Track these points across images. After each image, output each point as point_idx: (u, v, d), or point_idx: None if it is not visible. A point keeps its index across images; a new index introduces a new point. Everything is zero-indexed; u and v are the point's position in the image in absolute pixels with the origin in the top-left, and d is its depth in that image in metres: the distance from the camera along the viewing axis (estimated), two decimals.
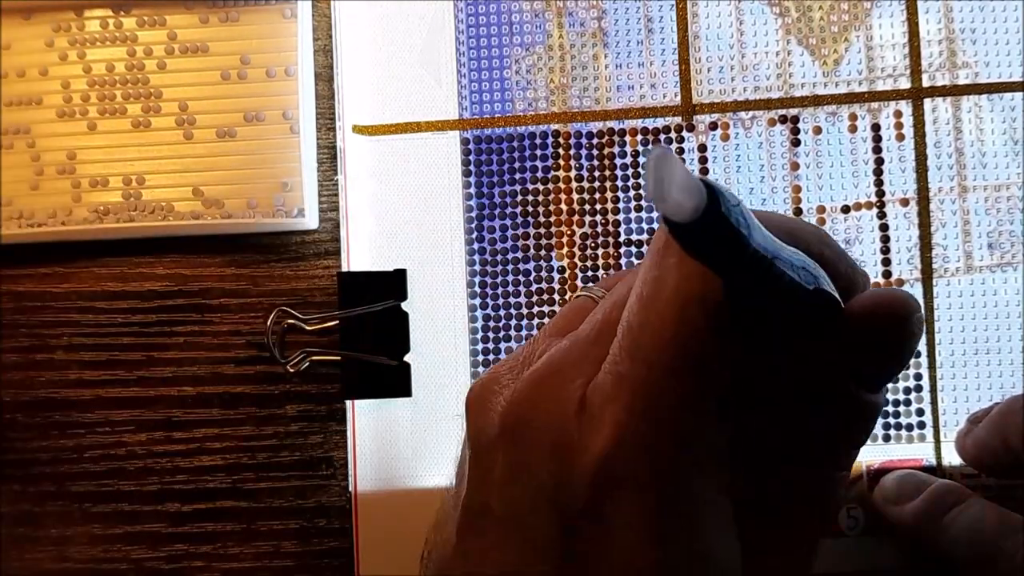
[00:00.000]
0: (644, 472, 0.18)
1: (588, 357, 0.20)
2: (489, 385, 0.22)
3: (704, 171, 0.34)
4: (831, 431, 0.20)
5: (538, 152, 0.34)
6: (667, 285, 0.18)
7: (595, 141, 0.34)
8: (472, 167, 0.34)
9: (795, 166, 0.34)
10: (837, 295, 0.19)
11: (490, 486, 0.20)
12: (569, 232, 0.34)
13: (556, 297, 0.34)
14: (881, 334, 0.19)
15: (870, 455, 0.33)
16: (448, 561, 0.21)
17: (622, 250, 0.34)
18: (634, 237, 0.34)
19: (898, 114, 0.33)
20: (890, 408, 0.33)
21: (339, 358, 0.33)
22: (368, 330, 0.33)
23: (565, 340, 0.21)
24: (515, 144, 0.34)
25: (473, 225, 0.34)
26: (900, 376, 0.33)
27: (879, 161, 0.33)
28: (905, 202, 0.33)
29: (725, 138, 0.34)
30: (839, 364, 0.20)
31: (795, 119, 0.34)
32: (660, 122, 0.34)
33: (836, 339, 0.19)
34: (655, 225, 0.33)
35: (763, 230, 0.17)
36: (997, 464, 0.30)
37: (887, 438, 0.33)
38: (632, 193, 0.34)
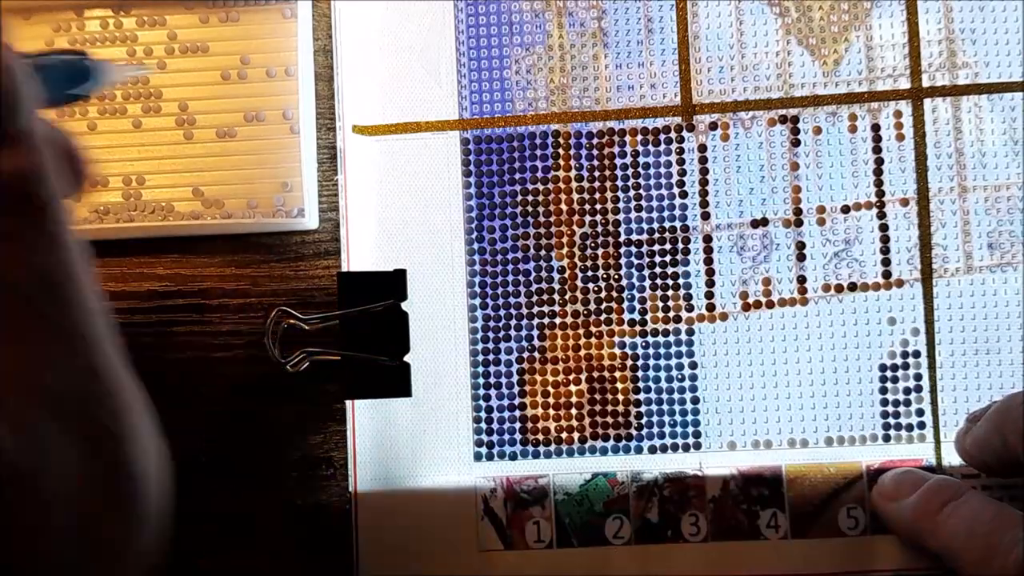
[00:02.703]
0: None
1: None
2: None
3: (704, 171, 0.34)
4: None
5: (538, 152, 0.34)
6: None
7: (595, 141, 0.34)
8: (472, 167, 0.34)
9: (795, 166, 0.34)
10: None
11: None
12: (569, 232, 0.34)
13: (556, 297, 0.34)
14: None
15: (870, 455, 0.33)
16: None
17: (622, 250, 0.34)
18: (634, 237, 0.34)
19: (898, 114, 0.33)
20: (890, 408, 0.33)
21: (339, 358, 0.33)
22: (368, 330, 0.33)
23: None
24: (515, 144, 0.34)
25: (473, 225, 0.34)
26: (900, 376, 0.33)
27: (879, 161, 0.33)
28: (905, 202, 0.33)
29: (725, 138, 0.34)
30: None
31: (795, 119, 0.34)
32: (660, 122, 0.34)
33: None
34: (655, 225, 0.34)
35: None
36: (996, 462, 0.30)
37: (887, 438, 0.33)
38: (632, 193, 0.34)
